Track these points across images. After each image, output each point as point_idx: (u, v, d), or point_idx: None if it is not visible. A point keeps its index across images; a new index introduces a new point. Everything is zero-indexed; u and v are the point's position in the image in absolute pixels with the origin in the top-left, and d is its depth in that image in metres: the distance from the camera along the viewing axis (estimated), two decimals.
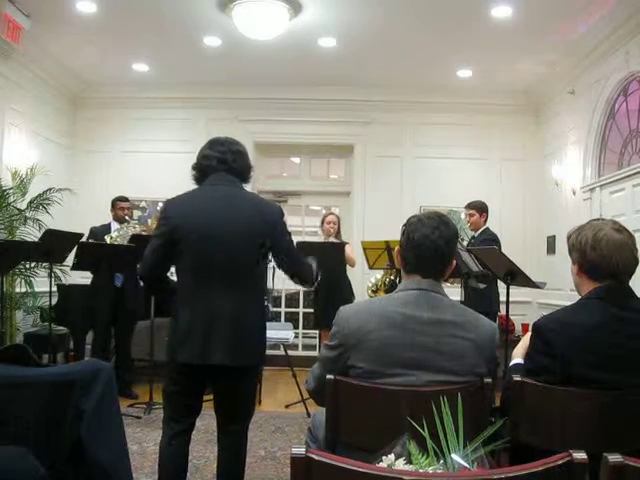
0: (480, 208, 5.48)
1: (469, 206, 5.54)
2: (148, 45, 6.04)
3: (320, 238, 6.08)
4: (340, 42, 5.86)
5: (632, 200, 5.09)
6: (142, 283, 2.86)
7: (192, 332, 2.37)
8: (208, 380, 2.51)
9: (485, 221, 5.50)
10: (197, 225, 2.41)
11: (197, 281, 2.42)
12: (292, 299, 7.82)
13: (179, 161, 7.16)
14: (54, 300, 5.03)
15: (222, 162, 2.51)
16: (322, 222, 5.91)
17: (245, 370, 2.46)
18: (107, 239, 5.26)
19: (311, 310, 7.15)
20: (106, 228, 5.51)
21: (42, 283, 5.53)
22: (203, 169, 2.53)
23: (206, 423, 3.90)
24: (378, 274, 5.60)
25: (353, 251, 5.81)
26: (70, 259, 4.80)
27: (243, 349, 2.40)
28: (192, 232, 2.40)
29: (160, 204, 7.20)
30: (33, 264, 5.50)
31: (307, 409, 4.86)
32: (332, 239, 5.74)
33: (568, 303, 1.97)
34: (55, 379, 1.81)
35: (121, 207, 5.60)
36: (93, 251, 4.81)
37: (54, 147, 6.78)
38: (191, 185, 2.62)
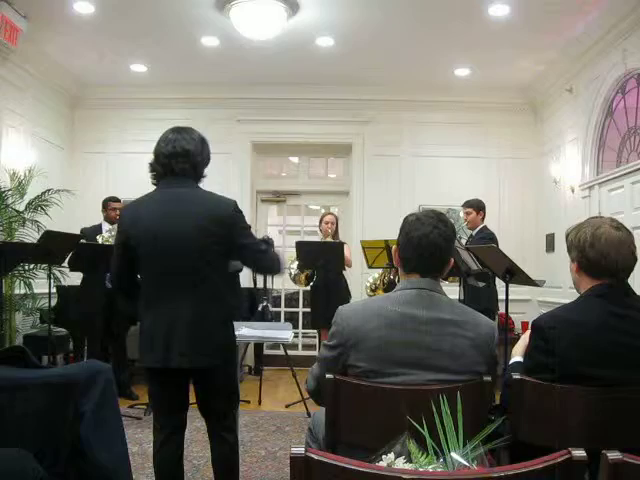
0: (477, 206, 5.48)
1: (466, 204, 5.54)
2: (146, 46, 6.03)
3: (319, 237, 6.09)
4: (338, 41, 5.85)
5: (631, 198, 5.08)
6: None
7: (154, 337, 2.39)
8: (185, 379, 2.51)
9: (482, 219, 5.51)
10: (147, 230, 2.39)
11: (155, 286, 2.43)
12: (292, 299, 7.83)
13: None
14: (53, 302, 5.01)
15: (173, 161, 2.44)
16: (320, 221, 5.95)
17: (209, 371, 2.44)
18: (99, 239, 5.25)
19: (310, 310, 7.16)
20: (97, 229, 5.49)
21: (41, 285, 5.52)
22: (156, 170, 2.49)
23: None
24: (376, 273, 5.60)
25: (350, 252, 5.78)
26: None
27: (202, 351, 2.38)
28: (143, 237, 2.39)
29: None
30: (32, 266, 5.49)
31: (307, 409, 4.86)
32: (330, 239, 5.74)
33: (567, 301, 1.97)
34: (55, 380, 1.81)
35: (113, 207, 5.55)
36: (86, 252, 4.80)
37: (52, 148, 6.76)
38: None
